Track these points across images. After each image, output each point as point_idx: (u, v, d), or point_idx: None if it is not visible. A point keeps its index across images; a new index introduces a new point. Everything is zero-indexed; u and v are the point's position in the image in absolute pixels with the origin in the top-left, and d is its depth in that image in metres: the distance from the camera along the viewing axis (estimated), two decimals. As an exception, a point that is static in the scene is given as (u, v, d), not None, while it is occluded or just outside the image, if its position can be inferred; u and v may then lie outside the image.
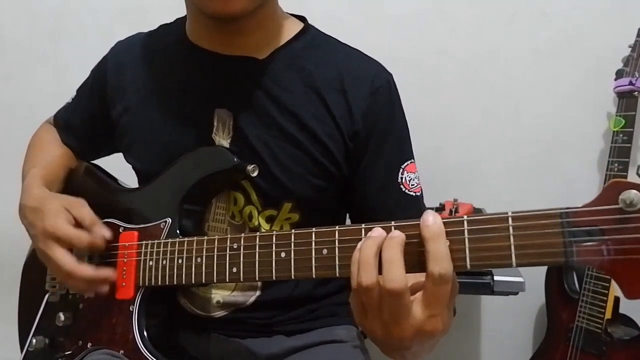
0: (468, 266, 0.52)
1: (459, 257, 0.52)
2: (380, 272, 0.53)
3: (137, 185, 0.93)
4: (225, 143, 0.83)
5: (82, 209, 0.80)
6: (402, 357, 0.60)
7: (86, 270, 0.77)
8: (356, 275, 0.54)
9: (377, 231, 0.55)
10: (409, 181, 0.86)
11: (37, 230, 0.80)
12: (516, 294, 1.24)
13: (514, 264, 0.50)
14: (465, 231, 0.52)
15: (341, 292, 0.97)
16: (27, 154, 1.01)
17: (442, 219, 0.53)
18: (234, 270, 0.68)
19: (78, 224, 0.79)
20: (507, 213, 0.51)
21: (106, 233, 0.80)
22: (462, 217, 0.53)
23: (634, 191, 0.45)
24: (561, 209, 0.49)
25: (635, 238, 0.45)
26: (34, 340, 0.88)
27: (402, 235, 0.54)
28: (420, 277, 0.54)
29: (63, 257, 0.77)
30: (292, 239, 0.63)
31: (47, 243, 0.78)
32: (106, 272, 0.79)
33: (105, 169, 1.00)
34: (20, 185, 0.95)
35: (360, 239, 0.57)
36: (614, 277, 0.47)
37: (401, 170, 0.85)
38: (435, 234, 0.52)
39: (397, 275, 0.52)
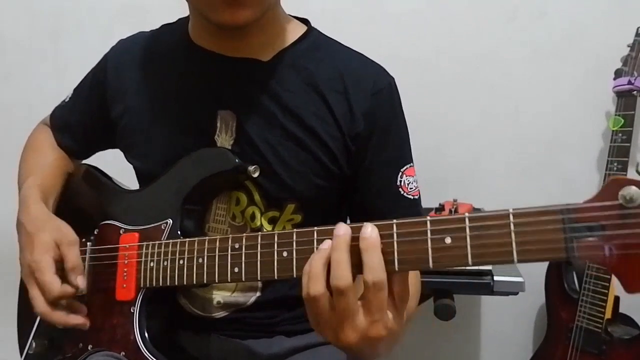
0: (470, 262, 0.53)
1: (461, 254, 0.53)
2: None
3: (137, 186, 0.93)
4: (228, 145, 0.83)
5: (70, 249, 0.80)
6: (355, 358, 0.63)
7: (57, 316, 0.78)
8: (306, 287, 0.58)
9: (327, 243, 0.59)
10: (408, 184, 0.86)
11: (24, 260, 0.81)
12: (516, 294, 1.24)
13: (516, 260, 0.51)
14: (467, 228, 0.53)
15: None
16: (22, 158, 1.01)
17: (444, 216, 0.55)
18: (236, 270, 0.68)
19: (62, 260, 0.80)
20: (508, 210, 0.51)
21: (81, 284, 0.79)
22: (464, 215, 0.54)
23: (634, 187, 0.45)
24: (562, 205, 0.49)
25: (635, 233, 0.46)
26: (34, 343, 0.88)
27: (345, 235, 0.57)
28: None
29: (37, 298, 0.78)
30: (294, 238, 0.63)
31: (27, 278, 0.80)
32: (76, 320, 0.79)
33: (105, 171, 1.00)
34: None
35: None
36: (614, 273, 0.47)
37: (400, 173, 0.86)
38: (369, 246, 0.56)
39: (342, 274, 0.56)
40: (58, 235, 0.81)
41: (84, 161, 1.06)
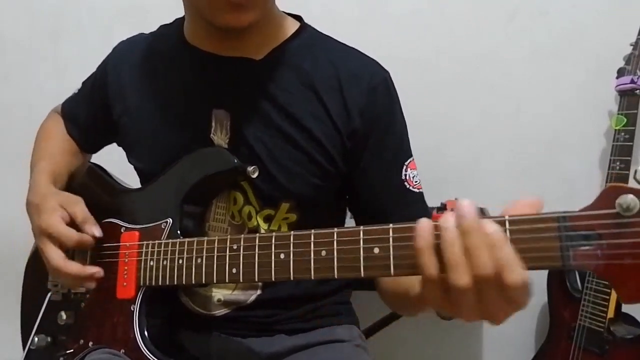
0: None
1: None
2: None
3: (139, 186, 0.93)
4: (223, 143, 0.84)
5: (77, 206, 0.83)
6: None
7: (72, 266, 0.79)
8: (452, 277, 0.50)
9: (447, 229, 0.51)
10: (412, 178, 0.86)
11: (34, 226, 0.83)
12: (518, 293, 1.24)
13: None
14: None
15: (342, 291, 0.97)
16: (35, 144, 1.03)
17: (437, 221, 0.52)
18: (234, 271, 0.68)
19: (73, 221, 0.82)
20: (504, 217, 0.51)
21: (96, 231, 0.81)
22: None
23: (631, 196, 0.45)
24: (558, 212, 0.49)
25: (632, 243, 0.45)
26: (36, 339, 0.89)
27: (472, 211, 0.50)
28: None
29: (52, 253, 0.79)
30: (291, 240, 0.63)
31: (41, 239, 0.81)
32: (91, 269, 0.80)
33: (108, 170, 1.00)
34: (19, 184, 0.95)
35: (359, 240, 0.57)
36: (610, 282, 0.47)
37: (404, 167, 0.86)
38: (500, 240, 0.49)
39: (485, 261, 0.48)
40: (61, 198, 0.84)
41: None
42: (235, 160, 0.79)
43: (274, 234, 0.65)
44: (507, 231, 0.50)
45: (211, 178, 0.81)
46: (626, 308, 1.43)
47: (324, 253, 0.60)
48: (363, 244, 0.58)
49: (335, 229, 0.60)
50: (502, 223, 0.50)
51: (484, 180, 1.64)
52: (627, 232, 0.45)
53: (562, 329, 1.49)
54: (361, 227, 0.58)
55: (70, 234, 0.79)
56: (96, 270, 0.80)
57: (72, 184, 0.97)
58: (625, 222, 0.45)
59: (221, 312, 0.88)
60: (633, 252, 0.45)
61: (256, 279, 0.66)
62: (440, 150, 1.64)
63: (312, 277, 0.61)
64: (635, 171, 0.47)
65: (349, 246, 0.58)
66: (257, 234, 0.67)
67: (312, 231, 0.61)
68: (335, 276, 0.60)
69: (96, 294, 0.83)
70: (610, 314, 1.39)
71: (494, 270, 0.48)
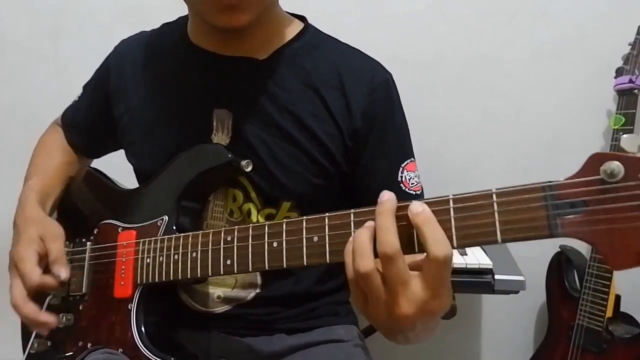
0: (455, 244, 0.52)
1: (446, 235, 0.53)
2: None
3: (136, 186, 0.93)
4: (224, 143, 0.84)
5: (54, 242, 0.81)
6: (405, 339, 0.60)
7: (28, 309, 0.78)
8: (352, 265, 0.55)
9: (370, 222, 0.55)
10: (409, 180, 0.86)
11: (11, 251, 0.83)
12: (517, 292, 1.24)
13: (499, 239, 0.50)
14: (451, 210, 0.53)
15: (341, 291, 0.97)
16: (32, 157, 1.02)
17: (427, 198, 0.55)
18: (228, 262, 0.68)
19: (46, 255, 0.81)
20: (491, 190, 0.51)
21: (62, 273, 0.79)
22: (447, 196, 0.54)
23: (615, 162, 0.45)
24: (544, 182, 0.49)
25: (617, 208, 0.45)
26: (36, 343, 0.89)
27: (390, 201, 0.55)
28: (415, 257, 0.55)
29: (15, 289, 0.79)
30: (284, 228, 0.63)
31: (12, 268, 0.81)
32: (46, 318, 0.79)
33: (109, 172, 1.00)
34: (20, 184, 0.96)
35: (349, 224, 0.58)
36: (598, 248, 0.47)
37: (401, 169, 0.86)
38: (427, 219, 0.53)
39: (388, 239, 0.53)
40: (42, 230, 0.83)
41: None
42: (229, 155, 0.79)
43: (266, 223, 0.65)
44: (494, 203, 0.51)
45: (206, 174, 0.81)
46: (625, 307, 1.43)
47: (316, 239, 0.61)
48: (354, 227, 0.58)
49: (327, 214, 0.60)
50: (489, 196, 0.51)
51: (484, 181, 1.62)
52: (612, 198, 0.46)
53: (560, 328, 1.49)
54: (352, 210, 0.59)
55: (33, 276, 0.78)
56: (50, 321, 0.79)
57: (70, 189, 0.97)
58: (611, 187, 0.46)
59: (221, 309, 0.88)
60: (619, 217, 0.45)
61: (250, 269, 0.66)
62: (441, 151, 1.64)
63: (305, 264, 0.61)
64: (620, 139, 0.47)
65: (340, 230, 0.58)
66: (251, 225, 0.67)
67: (304, 218, 0.62)
68: (328, 261, 0.60)
69: (95, 294, 0.83)
70: (609, 313, 1.39)
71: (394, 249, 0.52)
